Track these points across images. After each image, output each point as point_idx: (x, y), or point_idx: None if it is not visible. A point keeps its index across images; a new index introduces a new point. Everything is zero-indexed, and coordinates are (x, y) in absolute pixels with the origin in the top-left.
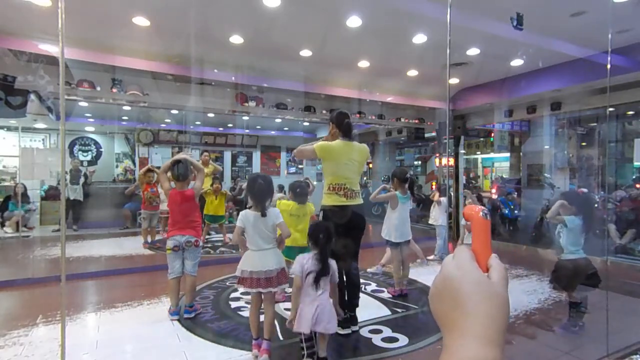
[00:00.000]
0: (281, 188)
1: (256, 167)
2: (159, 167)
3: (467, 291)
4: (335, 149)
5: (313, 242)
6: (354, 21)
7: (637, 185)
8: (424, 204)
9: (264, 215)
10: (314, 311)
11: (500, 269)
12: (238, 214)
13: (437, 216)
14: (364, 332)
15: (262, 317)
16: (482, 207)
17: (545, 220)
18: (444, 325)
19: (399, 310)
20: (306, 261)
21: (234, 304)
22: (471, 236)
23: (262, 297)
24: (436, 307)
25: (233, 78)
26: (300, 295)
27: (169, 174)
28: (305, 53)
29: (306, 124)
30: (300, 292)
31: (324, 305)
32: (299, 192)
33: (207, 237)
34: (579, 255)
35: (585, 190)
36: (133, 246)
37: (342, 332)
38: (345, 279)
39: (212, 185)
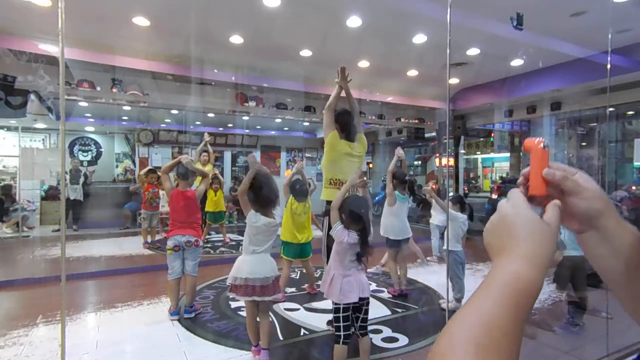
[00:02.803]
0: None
1: None
2: (158, 168)
3: (520, 225)
4: (339, 146)
5: (352, 218)
6: (354, 21)
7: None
8: (424, 204)
9: (273, 218)
10: (357, 282)
11: (555, 213)
12: (238, 214)
13: (435, 214)
14: None
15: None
16: (542, 139)
17: None
18: (494, 253)
19: (399, 310)
20: (347, 235)
21: (234, 304)
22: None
23: (258, 305)
24: (489, 239)
25: (233, 78)
26: (334, 266)
27: (170, 173)
28: (305, 53)
29: (306, 124)
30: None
31: (362, 275)
32: (298, 189)
33: (207, 237)
34: (578, 253)
35: None
36: (133, 246)
37: None
38: None
39: (211, 183)
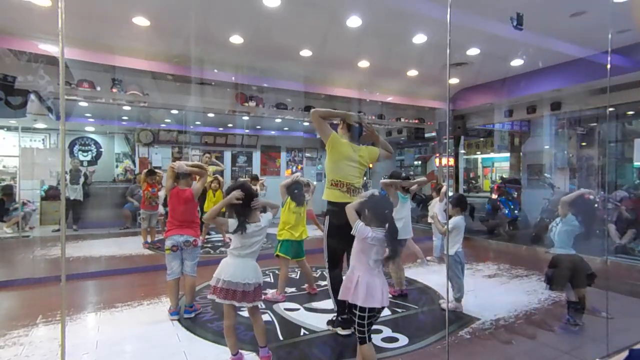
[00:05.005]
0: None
1: (256, 167)
2: (158, 168)
3: None
4: (341, 147)
5: (377, 218)
6: (354, 21)
7: None
8: (424, 203)
9: (243, 231)
10: (381, 286)
11: None
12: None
13: (433, 212)
14: None
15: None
16: None
17: (545, 220)
18: None
19: (399, 310)
20: (371, 230)
21: None
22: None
23: (248, 310)
24: None
25: (233, 78)
26: (359, 267)
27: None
28: (305, 53)
29: (306, 124)
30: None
31: (384, 280)
32: (297, 193)
33: (207, 237)
34: (568, 251)
35: (591, 196)
36: (133, 246)
37: (342, 332)
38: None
39: (211, 183)
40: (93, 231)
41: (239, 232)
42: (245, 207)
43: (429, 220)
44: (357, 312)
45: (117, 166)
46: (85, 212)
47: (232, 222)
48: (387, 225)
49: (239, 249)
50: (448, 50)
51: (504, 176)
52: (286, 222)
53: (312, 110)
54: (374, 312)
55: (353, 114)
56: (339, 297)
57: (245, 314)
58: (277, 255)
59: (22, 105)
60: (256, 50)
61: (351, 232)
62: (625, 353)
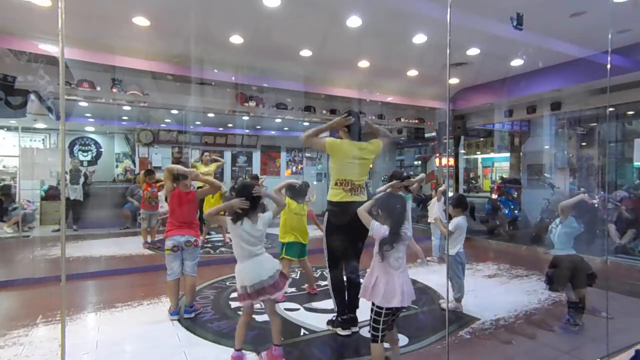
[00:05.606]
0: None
1: (256, 167)
2: (158, 168)
3: None
4: (342, 148)
5: (389, 215)
6: (354, 21)
7: None
8: (423, 203)
9: (239, 221)
10: (401, 285)
11: None
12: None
13: (432, 212)
14: (364, 332)
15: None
16: None
17: (545, 220)
18: None
19: None
20: (385, 229)
21: (234, 304)
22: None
23: (267, 306)
24: None
25: (233, 78)
26: (378, 267)
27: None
28: (305, 53)
29: (306, 124)
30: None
31: (408, 279)
32: (297, 190)
33: (207, 237)
34: (569, 252)
35: (594, 201)
36: (133, 246)
37: (342, 332)
38: (346, 279)
39: None
40: (93, 231)
41: (237, 223)
42: (247, 207)
43: (430, 220)
44: (375, 309)
45: (117, 166)
46: (85, 212)
47: (230, 223)
48: (393, 221)
49: (248, 252)
50: (448, 50)
51: (504, 176)
52: (289, 226)
53: (300, 136)
54: (392, 311)
55: (339, 119)
56: (359, 296)
57: None
58: (283, 258)
59: (22, 105)
60: (256, 50)
61: (368, 234)
62: (631, 353)
